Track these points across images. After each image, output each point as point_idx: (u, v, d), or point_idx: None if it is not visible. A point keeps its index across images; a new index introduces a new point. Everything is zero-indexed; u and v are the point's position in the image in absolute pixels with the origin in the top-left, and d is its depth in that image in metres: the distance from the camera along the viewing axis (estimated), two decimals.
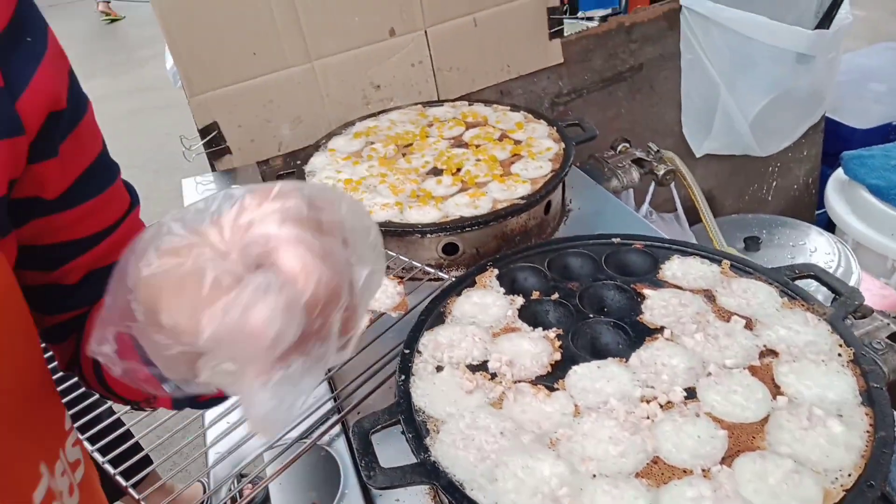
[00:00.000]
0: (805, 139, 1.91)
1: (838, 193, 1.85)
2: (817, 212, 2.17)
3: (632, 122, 1.71)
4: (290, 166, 1.40)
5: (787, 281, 0.78)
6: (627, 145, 1.40)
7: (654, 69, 1.69)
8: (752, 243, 1.62)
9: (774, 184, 1.94)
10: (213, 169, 1.39)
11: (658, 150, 1.35)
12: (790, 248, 1.66)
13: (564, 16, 1.47)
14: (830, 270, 1.58)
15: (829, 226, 1.98)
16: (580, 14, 3.12)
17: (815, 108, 1.79)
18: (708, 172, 1.81)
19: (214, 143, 1.34)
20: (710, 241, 1.40)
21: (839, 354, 0.68)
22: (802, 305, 0.75)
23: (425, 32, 1.38)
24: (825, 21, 1.60)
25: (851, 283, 1.55)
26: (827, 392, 0.64)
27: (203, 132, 1.32)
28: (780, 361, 0.68)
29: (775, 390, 0.65)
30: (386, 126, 1.30)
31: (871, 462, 0.57)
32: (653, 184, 1.39)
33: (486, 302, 0.81)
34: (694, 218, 1.58)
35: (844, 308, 0.74)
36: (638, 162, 1.33)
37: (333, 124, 1.37)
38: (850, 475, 0.56)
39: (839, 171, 1.92)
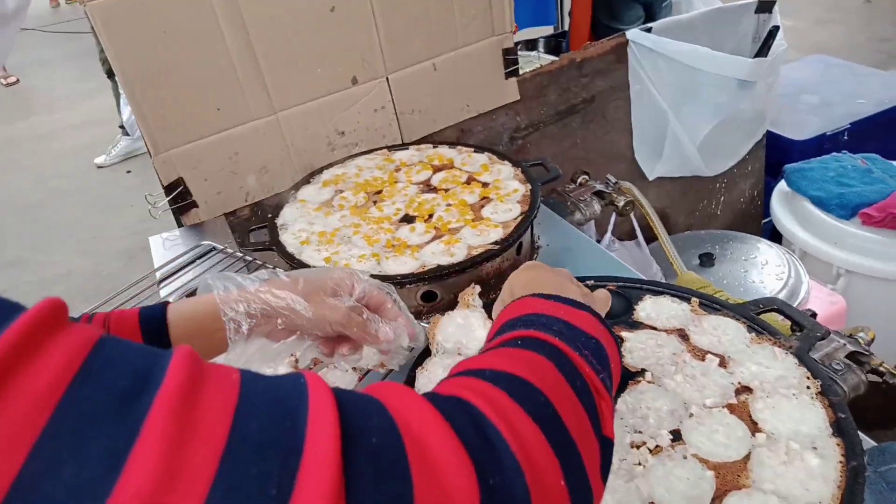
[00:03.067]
0: (749, 155, 2.01)
1: (783, 205, 1.96)
2: (763, 221, 2.28)
3: (587, 150, 1.77)
4: (259, 216, 1.40)
5: (753, 316, 0.84)
6: (587, 177, 1.46)
7: (606, 100, 1.76)
8: (706, 260, 1.69)
9: (722, 199, 2.04)
10: (180, 224, 1.38)
11: (616, 182, 1.41)
12: (743, 262, 1.75)
13: (518, 55, 1.52)
14: (781, 281, 1.67)
15: (774, 234, 2.09)
16: (520, 35, 3.19)
17: (758, 127, 1.90)
18: (661, 193, 1.89)
19: (180, 199, 1.33)
20: (670, 263, 1.47)
21: (808, 387, 0.73)
22: (770, 340, 0.80)
23: (387, 79, 1.41)
24: (763, 49, 1.70)
25: (802, 293, 1.64)
26: (800, 426, 0.68)
27: (168, 189, 1.31)
28: (754, 398, 0.72)
29: (753, 427, 0.69)
30: (354, 173, 1.32)
31: (847, 492, 0.62)
32: (613, 214, 1.44)
33: (471, 324, 0.84)
34: (648, 235, 1.64)
35: (808, 341, 0.80)
36: (598, 194, 1.39)
37: (299, 172, 1.38)
38: None
39: (782, 184, 2.03)
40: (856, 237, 1.76)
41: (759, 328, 0.82)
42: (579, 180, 1.44)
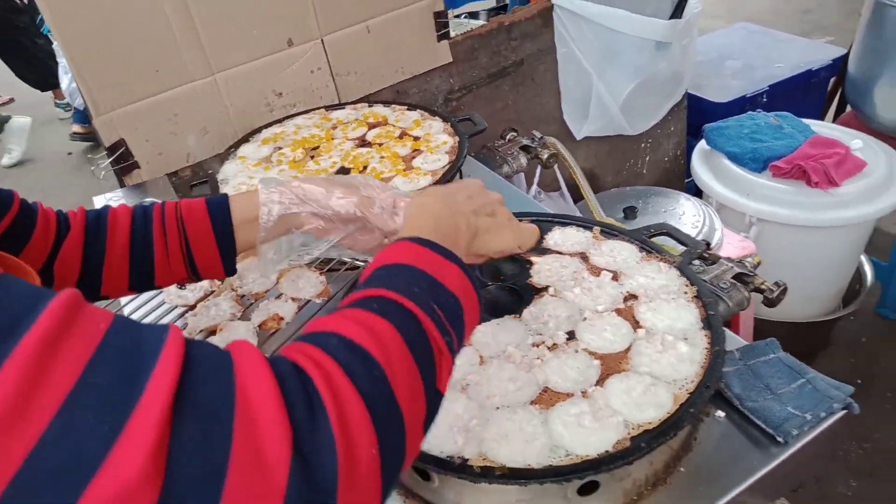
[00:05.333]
0: (671, 116, 2.15)
1: (702, 162, 2.10)
2: (686, 180, 2.43)
3: (518, 112, 1.87)
4: (200, 176, 1.45)
5: (645, 239, 0.95)
6: (515, 134, 1.55)
7: (534, 63, 1.86)
8: (630, 213, 1.82)
9: (648, 158, 2.17)
10: (122, 185, 1.42)
11: (542, 137, 1.51)
12: (663, 213, 1.88)
13: (449, 18, 1.60)
14: (697, 229, 1.81)
15: (698, 191, 2.24)
16: (463, 8, 3.28)
17: (676, 88, 2.03)
18: (589, 153, 2.01)
19: (122, 160, 1.37)
20: (592, 213, 1.58)
21: (685, 293, 0.85)
22: (657, 257, 0.92)
23: (322, 41, 1.47)
24: (678, 12, 1.82)
25: (715, 239, 1.79)
26: (676, 323, 0.80)
27: (110, 150, 1.35)
28: (639, 303, 0.84)
29: (636, 325, 0.80)
30: (292, 131, 1.38)
31: (709, 370, 0.73)
32: (539, 167, 1.54)
33: None
34: (578, 195, 1.76)
35: (689, 255, 0.91)
36: (525, 148, 1.49)
37: (239, 132, 1.44)
38: (692, 382, 0.72)
39: (702, 143, 2.17)
40: (766, 188, 1.91)
41: (649, 248, 0.93)
42: (508, 136, 1.54)
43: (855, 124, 2.26)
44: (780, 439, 0.75)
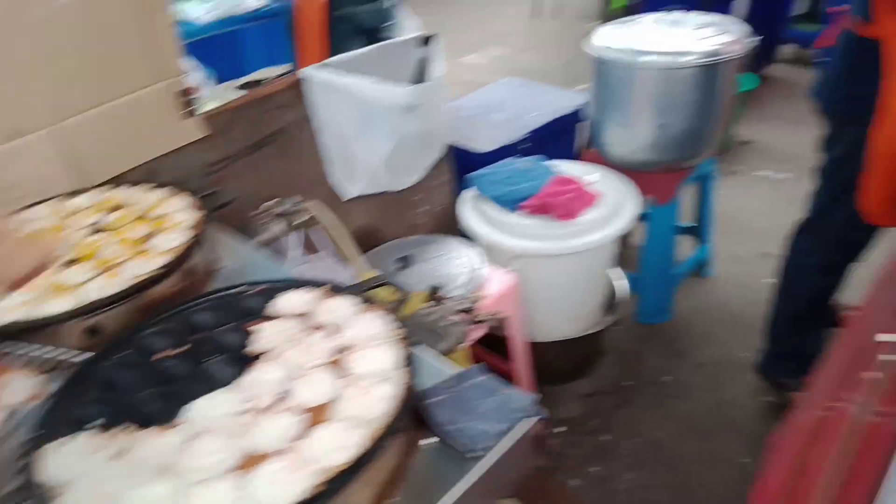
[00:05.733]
0: (437, 169, 2.34)
1: (469, 208, 2.31)
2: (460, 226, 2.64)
3: (285, 179, 1.93)
4: None
5: (364, 292, 1.04)
6: (276, 201, 1.60)
7: (296, 131, 1.94)
8: (404, 262, 1.94)
9: (422, 209, 2.34)
10: None
11: (300, 201, 1.58)
12: (436, 259, 2.03)
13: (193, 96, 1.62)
14: (466, 270, 1.98)
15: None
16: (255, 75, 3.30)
17: (434, 144, 2.22)
18: (363, 210, 2.12)
19: None
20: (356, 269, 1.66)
21: (394, 337, 0.94)
22: (373, 308, 1.00)
23: (55, 127, 1.42)
24: (420, 78, 2.01)
25: (482, 276, 1.96)
26: (381, 365, 0.88)
27: None
28: (352, 352, 0.91)
29: (346, 374, 0.87)
30: (21, 226, 1.30)
31: (402, 403, 0.82)
32: (300, 231, 1.60)
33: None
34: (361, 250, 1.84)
35: (401, 301, 1.01)
36: (282, 215, 1.54)
37: None
38: (389, 418, 0.80)
39: (469, 189, 2.39)
40: (521, 226, 2.14)
41: (366, 300, 1.02)
42: (266, 205, 1.58)
43: (598, 159, 2.61)
44: (476, 454, 0.86)
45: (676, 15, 2.46)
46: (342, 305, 1.00)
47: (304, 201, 1.57)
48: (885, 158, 1.77)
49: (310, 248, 1.62)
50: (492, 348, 2.34)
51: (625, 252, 2.94)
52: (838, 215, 1.94)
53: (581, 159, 2.69)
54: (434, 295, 1.11)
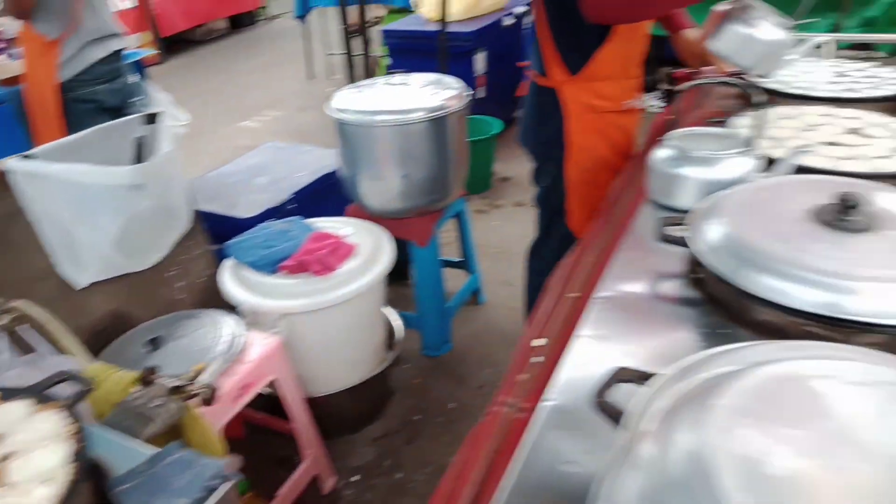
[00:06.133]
0: (190, 241, 2.29)
1: (230, 276, 2.29)
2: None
3: (4, 277, 1.78)
4: None
5: (42, 390, 1.00)
6: None
7: (9, 225, 1.80)
8: (154, 344, 1.87)
9: (180, 284, 2.27)
10: None
11: (3, 302, 1.46)
12: (193, 334, 1.98)
13: None
14: (227, 340, 1.95)
15: None
16: None
17: (178, 218, 2.18)
18: (107, 296, 2.01)
19: None
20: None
21: (65, 433, 0.91)
22: (49, 406, 0.97)
23: None
24: (144, 156, 1.99)
25: (242, 343, 1.95)
26: (46, 465, 0.85)
27: None
28: (15, 459, 0.87)
29: (3, 484, 0.83)
30: None
31: (65, 499, 0.80)
32: (2, 333, 1.49)
33: None
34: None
35: (76, 395, 0.99)
36: None
37: None
38: None
39: (229, 259, 2.37)
40: (282, 286, 2.17)
41: (42, 399, 0.98)
42: None
43: (359, 213, 2.74)
44: None
45: (400, 77, 2.70)
46: (12, 410, 0.95)
47: (8, 302, 1.46)
48: (578, 186, 2.09)
49: (25, 348, 1.50)
50: (273, 411, 2.31)
51: (405, 292, 3.10)
52: (555, 236, 2.24)
53: (346, 214, 2.81)
54: (146, 377, 1.09)
